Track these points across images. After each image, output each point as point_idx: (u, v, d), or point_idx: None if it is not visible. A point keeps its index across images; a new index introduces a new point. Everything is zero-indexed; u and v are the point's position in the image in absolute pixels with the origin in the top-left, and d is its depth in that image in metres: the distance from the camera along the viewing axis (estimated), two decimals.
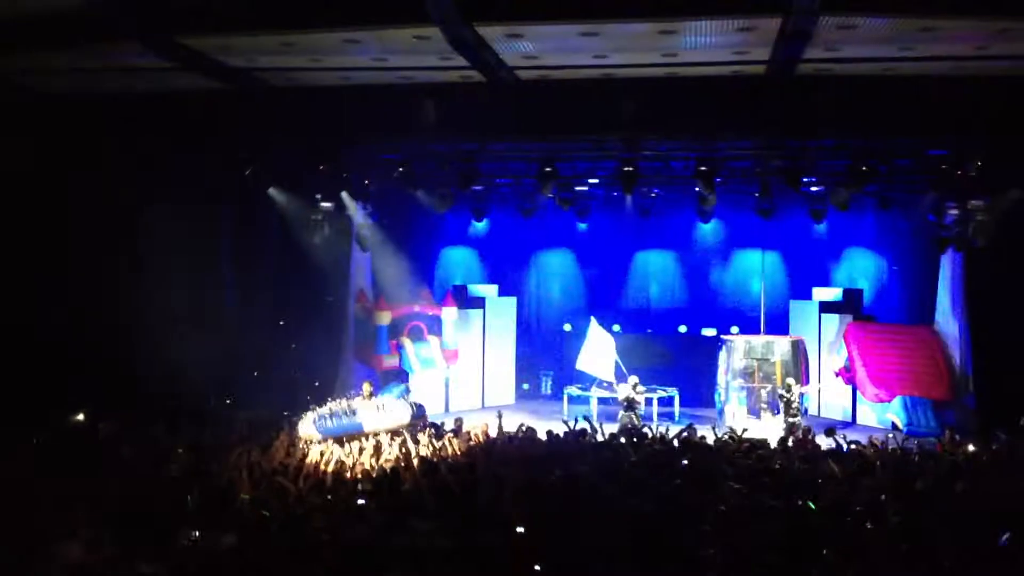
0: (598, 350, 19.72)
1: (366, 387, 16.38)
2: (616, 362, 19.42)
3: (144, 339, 16.55)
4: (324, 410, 14.74)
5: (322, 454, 12.16)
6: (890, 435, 14.71)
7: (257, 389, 18.09)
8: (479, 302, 21.61)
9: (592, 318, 20.40)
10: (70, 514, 8.24)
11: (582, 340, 22.06)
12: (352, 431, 14.02)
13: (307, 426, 14.05)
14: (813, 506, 8.90)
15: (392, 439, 13.28)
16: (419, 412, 15.47)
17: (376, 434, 13.72)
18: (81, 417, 14.25)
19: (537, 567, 6.86)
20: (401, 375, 19.67)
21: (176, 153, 16.43)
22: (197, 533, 7.62)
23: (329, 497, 9.41)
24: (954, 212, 17.69)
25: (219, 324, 18.15)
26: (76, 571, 6.64)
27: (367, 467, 11.58)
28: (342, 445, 12.90)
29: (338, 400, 15.23)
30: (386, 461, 11.84)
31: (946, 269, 18.78)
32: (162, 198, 16.74)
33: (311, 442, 13.40)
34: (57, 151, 14.94)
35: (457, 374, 20.91)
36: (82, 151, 15.42)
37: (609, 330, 20.71)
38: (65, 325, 15.30)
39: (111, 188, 16.09)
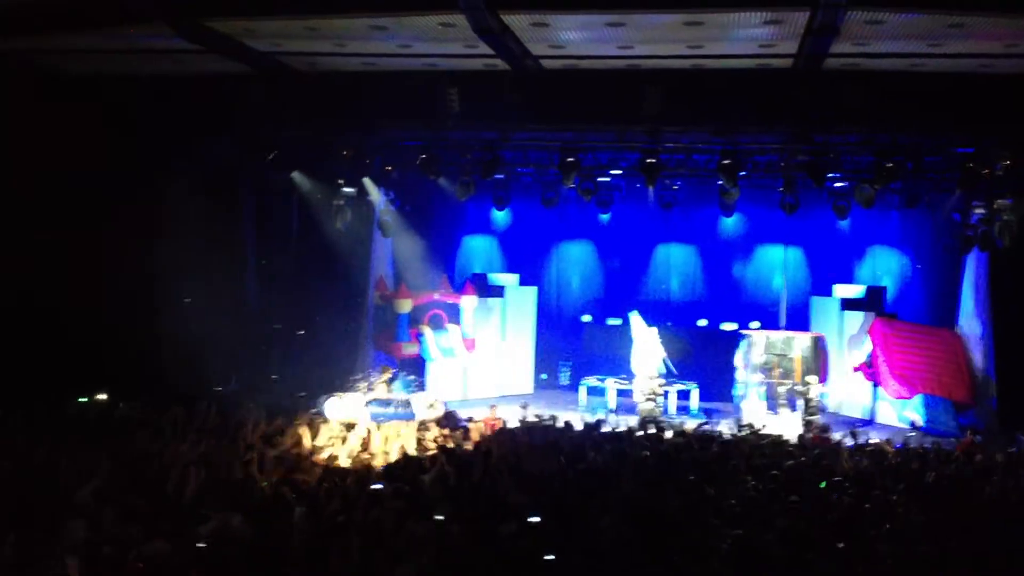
0: (645, 349, 19.35)
1: (387, 374, 16.54)
2: (664, 360, 19.21)
3: (164, 322, 16.67)
4: (377, 396, 15.05)
5: (342, 440, 12.23)
6: (910, 434, 14.65)
7: (276, 374, 18.21)
8: (499, 291, 21.61)
9: (634, 313, 20.12)
10: (82, 494, 8.33)
11: (601, 332, 22.10)
12: (405, 420, 14.19)
13: (357, 408, 14.22)
14: (824, 484, 8.93)
15: (408, 428, 13.34)
16: (447, 406, 15.72)
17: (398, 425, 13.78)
18: (103, 397, 14.38)
19: (549, 556, 6.86)
20: (418, 363, 19.70)
21: (199, 136, 16.53)
22: (209, 515, 7.68)
23: (346, 482, 9.46)
24: (980, 211, 17.52)
25: (239, 308, 18.25)
26: (85, 549, 6.69)
27: (384, 454, 11.64)
28: (359, 432, 12.96)
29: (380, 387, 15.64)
30: (402, 448, 11.89)
31: (970, 269, 18.61)
32: (184, 181, 16.84)
33: (350, 425, 13.51)
34: (81, 133, 15.01)
35: (476, 363, 20.90)
36: (106, 134, 15.50)
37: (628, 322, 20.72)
38: (85, 307, 15.40)
39: (134, 171, 16.19)
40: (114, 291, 15.97)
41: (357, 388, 16.15)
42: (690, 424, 14.74)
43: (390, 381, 16.53)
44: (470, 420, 14.65)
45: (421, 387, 18.42)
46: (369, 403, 14.62)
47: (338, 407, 14.25)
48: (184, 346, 16.94)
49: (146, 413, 13.21)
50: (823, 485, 9.30)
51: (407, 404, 15.03)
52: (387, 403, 14.94)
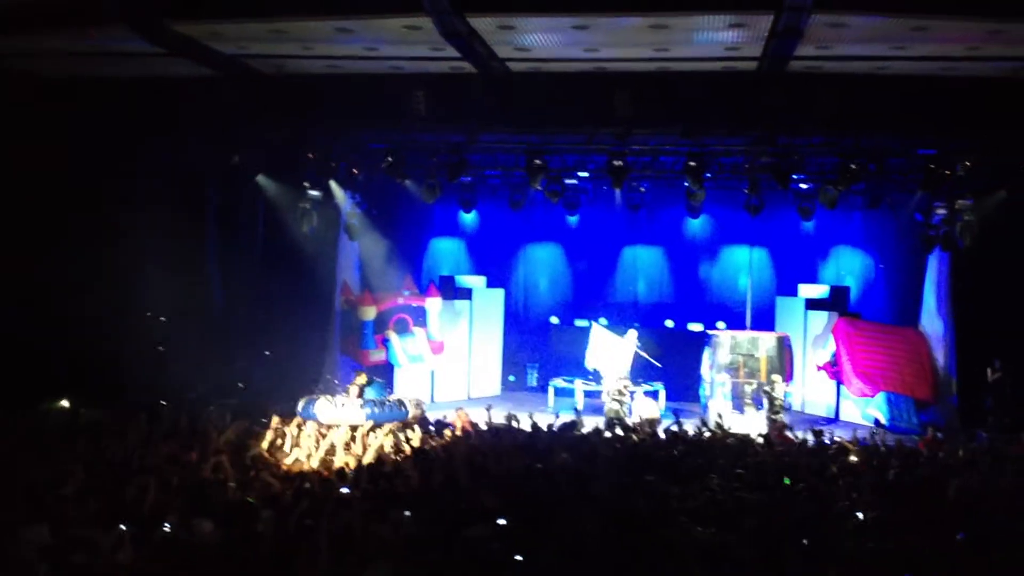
0: (610, 354, 19.59)
1: (361, 377, 16.57)
2: (641, 355, 19.46)
3: (128, 327, 16.52)
4: (374, 399, 15.36)
5: (310, 446, 12.15)
6: (873, 432, 14.80)
7: (241, 379, 18.10)
8: (466, 293, 21.60)
9: (594, 325, 20.35)
10: (45, 499, 8.24)
11: (569, 333, 22.18)
12: (399, 419, 14.24)
13: (355, 412, 14.27)
14: (788, 481, 9.00)
15: (376, 431, 13.29)
16: (397, 415, 15.76)
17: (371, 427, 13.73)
18: (65, 403, 14.23)
19: (518, 557, 6.88)
20: (386, 369, 19.63)
21: (164, 139, 16.39)
22: (176, 521, 7.62)
23: (315, 485, 9.42)
24: (941, 212, 17.78)
25: (204, 313, 18.10)
26: (48, 554, 6.62)
27: (356, 457, 11.60)
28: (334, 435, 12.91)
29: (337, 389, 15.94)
30: (378, 450, 11.84)
31: (932, 269, 18.87)
32: (150, 184, 16.70)
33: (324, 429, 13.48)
34: (45, 136, 14.85)
35: (443, 366, 20.86)
36: (70, 136, 15.35)
37: (597, 323, 20.85)
38: (49, 313, 15.23)
39: (99, 174, 16.04)
40: (77, 295, 15.80)
41: (335, 391, 16.21)
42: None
43: (364, 386, 16.55)
44: (439, 423, 14.65)
45: (391, 390, 18.38)
46: (364, 404, 14.68)
47: (329, 409, 14.26)
48: (148, 351, 16.82)
49: (111, 419, 13.08)
50: (787, 482, 9.38)
51: (401, 403, 15.09)
52: (382, 403, 15.05)
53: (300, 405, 14.42)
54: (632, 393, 18.60)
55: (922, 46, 12.56)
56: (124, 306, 16.60)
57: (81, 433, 12.16)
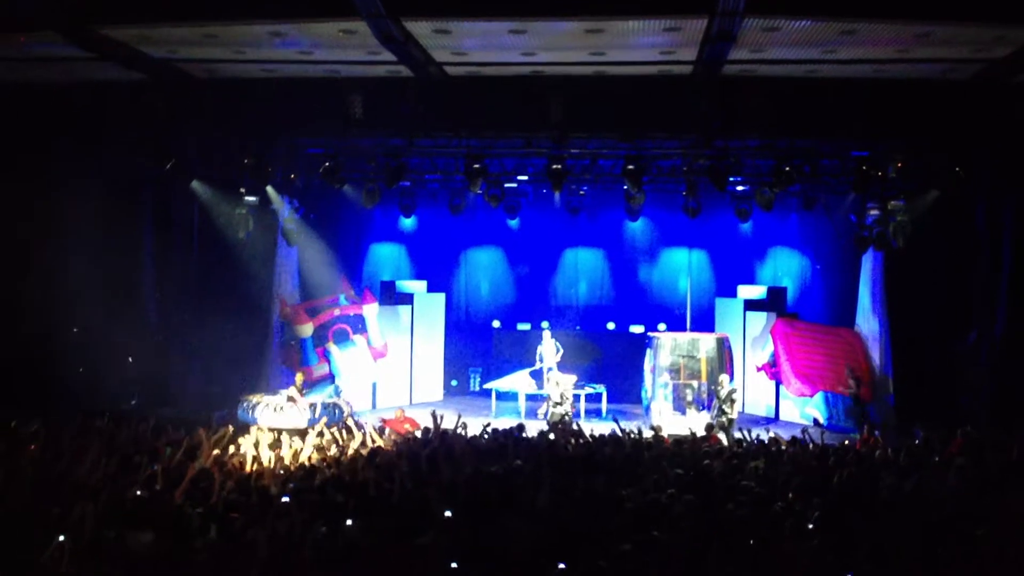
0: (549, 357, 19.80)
1: (298, 379, 16.54)
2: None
3: (62, 337, 16.19)
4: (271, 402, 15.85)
5: (243, 454, 11.97)
6: (811, 430, 14.98)
7: (179, 388, 17.85)
8: (408, 298, 21.46)
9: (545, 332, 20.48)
10: None
11: (511, 337, 22.19)
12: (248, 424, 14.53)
13: (297, 416, 15.31)
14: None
15: (318, 436, 13.15)
16: (334, 417, 15.67)
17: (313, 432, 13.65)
18: None
19: (454, 564, 6.85)
20: (330, 378, 19.44)
21: (96, 146, 16.09)
22: (115, 532, 7.48)
23: (252, 495, 9.27)
24: (874, 212, 18.06)
25: (140, 322, 17.80)
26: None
27: (290, 464, 11.45)
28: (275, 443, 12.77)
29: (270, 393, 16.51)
30: (310, 458, 11.70)
31: (867, 268, 19.15)
32: (82, 191, 16.38)
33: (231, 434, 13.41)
34: None
35: (385, 371, 20.67)
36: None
37: (539, 328, 20.93)
38: None
39: (29, 181, 15.70)
40: (5, 302, 15.46)
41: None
42: (599, 428, 14.83)
43: (302, 388, 16.60)
44: (380, 426, 14.53)
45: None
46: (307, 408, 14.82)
47: (269, 414, 14.57)
48: (82, 362, 16.49)
49: (45, 432, 12.76)
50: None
51: (253, 409, 15.26)
52: (325, 407, 15.27)
53: (239, 409, 14.43)
54: (576, 396, 18.64)
55: (852, 49, 12.77)
56: (57, 315, 16.26)
57: (15, 445, 11.87)
